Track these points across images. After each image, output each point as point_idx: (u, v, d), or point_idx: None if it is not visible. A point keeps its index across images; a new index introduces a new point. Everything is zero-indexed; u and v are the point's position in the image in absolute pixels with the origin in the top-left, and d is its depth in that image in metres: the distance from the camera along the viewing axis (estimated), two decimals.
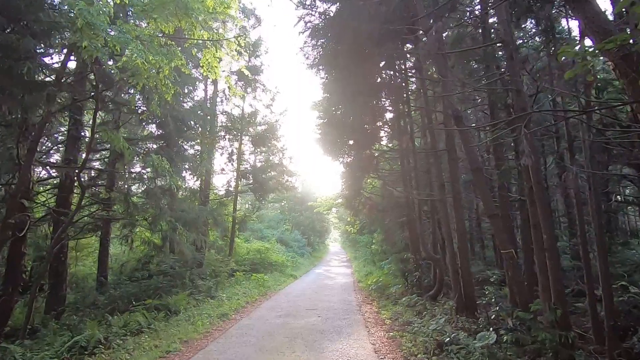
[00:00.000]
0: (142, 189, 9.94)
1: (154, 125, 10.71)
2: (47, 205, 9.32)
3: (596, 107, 6.05)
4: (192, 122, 12.19)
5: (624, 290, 6.60)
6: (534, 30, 10.02)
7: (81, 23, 4.40)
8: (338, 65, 9.14)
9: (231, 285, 13.47)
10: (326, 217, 40.06)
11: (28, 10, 5.80)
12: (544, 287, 5.06)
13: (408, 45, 11.30)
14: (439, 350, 5.97)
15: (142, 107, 8.72)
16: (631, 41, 2.77)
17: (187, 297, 10.34)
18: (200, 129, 13.76)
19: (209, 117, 14.16)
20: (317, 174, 35.92)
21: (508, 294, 6.93)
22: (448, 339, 6.03)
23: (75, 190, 9.26)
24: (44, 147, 11.18)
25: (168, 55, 5.38)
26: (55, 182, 10.13)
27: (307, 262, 27.51)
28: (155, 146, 10.27)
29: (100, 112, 11.90)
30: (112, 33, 4.54)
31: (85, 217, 9.15)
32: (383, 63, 10.35)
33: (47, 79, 6.96)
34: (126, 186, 9.45)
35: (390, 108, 12.29)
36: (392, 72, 12.11)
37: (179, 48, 6.03)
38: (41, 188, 9.98)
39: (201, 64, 7.06)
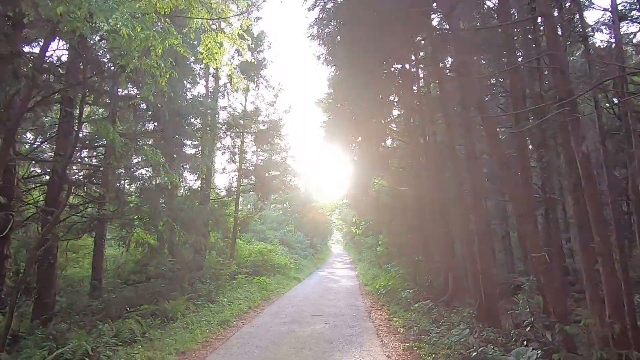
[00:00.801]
0: (138, 186, 9.35)
1: (151, 124, 10.16)
2: (35, 204, 8.71)
3: None
4: (191, 118, 11.64)
5: None
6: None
7: None
8: (352, 53, 8.51)
9: (232, 288, 12.86)
10: (329, 219, 39.40)
11: None
12: (593, 298, 4.40)
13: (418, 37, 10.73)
14: None
15: (133, 91, 8.05)
16: None
17: (185, 302, 9.75)
18: (200, 125, 13.19)
19: (210, 111, 13.53)
20: (322, 174, 35.01)
21: (541, 302, 6.26)
22: (475, 353, 5.37)
23: (65, 188, 8.64)
24: (36, 142, 10.67)
25: (161, 33, 4.79)
26: (46, 179, 9.53)
27: (310, 264, 26.92)
28: (151, 142, 9.69)
29: (96, 108, 11.43)
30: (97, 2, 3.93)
31: (74, 216, 8.53)
32: (396, 51, 9.69)
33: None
34: (118, 183, 8.83)
35: (400, 103, 11.65)
36: (400, 66, 11.57)
37: (174, 29, 5.41)
38: (31, 185, 9.41)
39: (200, 51, 6.48)
